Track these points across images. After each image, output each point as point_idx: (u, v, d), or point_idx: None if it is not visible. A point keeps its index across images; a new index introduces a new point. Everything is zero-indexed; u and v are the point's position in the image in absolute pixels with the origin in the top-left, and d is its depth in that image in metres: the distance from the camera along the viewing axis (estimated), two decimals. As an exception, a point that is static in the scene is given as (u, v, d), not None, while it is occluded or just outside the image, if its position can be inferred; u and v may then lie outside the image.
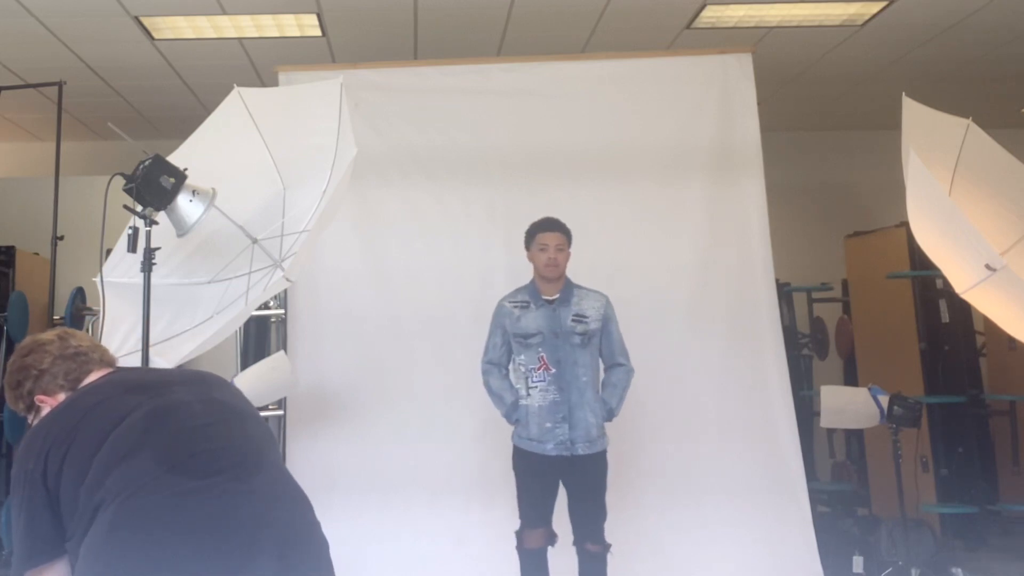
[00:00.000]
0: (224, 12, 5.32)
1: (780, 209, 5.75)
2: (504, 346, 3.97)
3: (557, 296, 3.94)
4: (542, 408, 3.83)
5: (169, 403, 1.97)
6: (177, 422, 1.93)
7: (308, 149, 3.91)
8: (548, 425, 3.81)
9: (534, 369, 3.86)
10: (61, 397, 2.08)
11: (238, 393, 2.21)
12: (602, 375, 3.99)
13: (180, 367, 2.25)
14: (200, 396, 2.03)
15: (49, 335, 2.17)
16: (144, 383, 2.05)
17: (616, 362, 3.98)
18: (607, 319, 3.96)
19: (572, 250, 3.98)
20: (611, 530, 3.86)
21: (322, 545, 1.96)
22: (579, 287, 3.99)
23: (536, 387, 3.85)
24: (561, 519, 3.85)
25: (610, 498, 3.87)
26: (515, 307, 3.96)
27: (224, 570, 1.76)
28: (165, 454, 1.86)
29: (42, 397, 2.09)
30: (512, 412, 3.90)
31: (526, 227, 4.03)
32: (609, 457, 3.89)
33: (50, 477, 1.86)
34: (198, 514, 1.80)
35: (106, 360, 2.16)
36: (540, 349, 3.86)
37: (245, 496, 1.85)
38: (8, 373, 2.14)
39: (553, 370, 3.84)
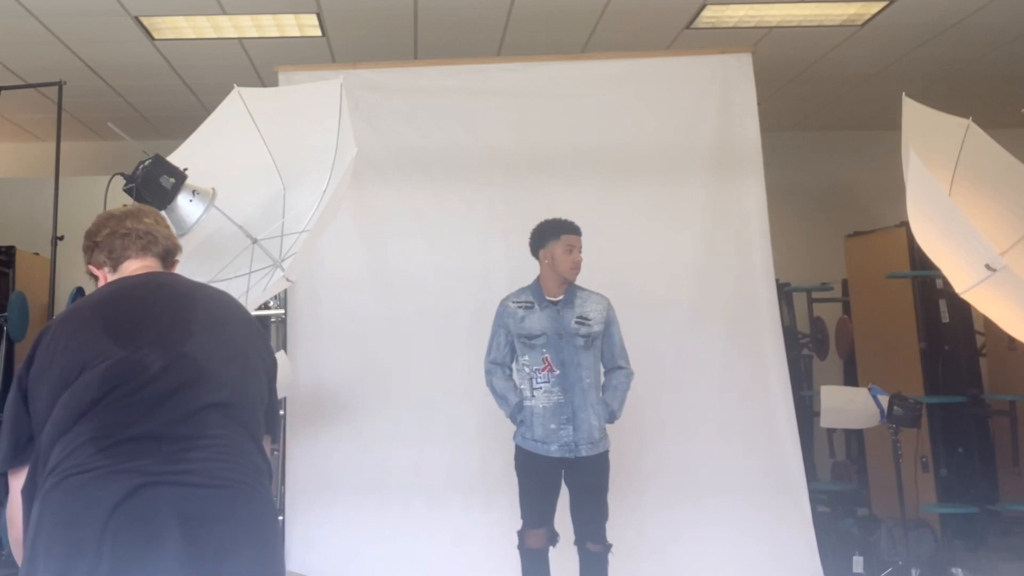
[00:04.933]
0: (224, 12, 5.32)
1: (780, 209, 5.74)
2: (508, 346, 3.96)
3: (561, 298, 3.93)
4: (547, 409, 3.82)
5: (129, 364, 1.91)
6: (124, 396, 1.88)
7: (308, 149, 3.90)
8: (553, 427, 3.81)
9: (538, 370, 3.86)
10: (106, 271, 2.19)
11: (224, 333, 2.08)
12: (601, 378, 3.98)
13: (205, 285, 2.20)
14: (168, 354, 1.94)
15: (123, 209, 2.26)
16: (125, 322, 2.00)
17: (616, 365, 3.97)
18: (609, 322, 3.95)
19: (572, 249, 3.99)
20: (612, 530, 3.86)
21: (255, 530, 1.87)
22: (581, 289, 3.98)
23: (540, 388, 3.85)
24: (562, 519, 3.85)
25: (611, 498, 3.87)
26: (519, 307, 3.95)
27: (131, 565, 1.74)
28: (102, 431, 1.84)
29: (92, 268, 2.22)
30: (516, 413, 3.90)
31: (530, 226, 4.02)
32: (610, 457, 3.89)
33: (29, 389, 1.93)
34: (112, 500, 1.77)
35: (150, 249, 2.20)
36: (544, 350, 3.86)
37: (165, 487, 1.81)
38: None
39: (557, 371, 3.84)
